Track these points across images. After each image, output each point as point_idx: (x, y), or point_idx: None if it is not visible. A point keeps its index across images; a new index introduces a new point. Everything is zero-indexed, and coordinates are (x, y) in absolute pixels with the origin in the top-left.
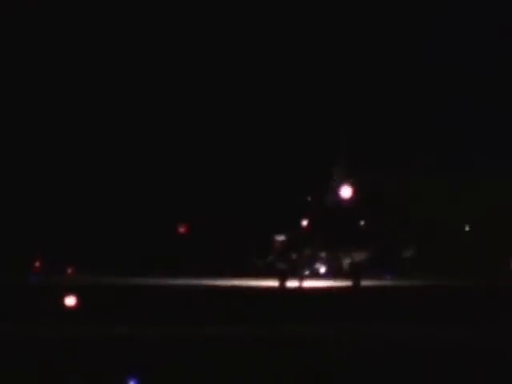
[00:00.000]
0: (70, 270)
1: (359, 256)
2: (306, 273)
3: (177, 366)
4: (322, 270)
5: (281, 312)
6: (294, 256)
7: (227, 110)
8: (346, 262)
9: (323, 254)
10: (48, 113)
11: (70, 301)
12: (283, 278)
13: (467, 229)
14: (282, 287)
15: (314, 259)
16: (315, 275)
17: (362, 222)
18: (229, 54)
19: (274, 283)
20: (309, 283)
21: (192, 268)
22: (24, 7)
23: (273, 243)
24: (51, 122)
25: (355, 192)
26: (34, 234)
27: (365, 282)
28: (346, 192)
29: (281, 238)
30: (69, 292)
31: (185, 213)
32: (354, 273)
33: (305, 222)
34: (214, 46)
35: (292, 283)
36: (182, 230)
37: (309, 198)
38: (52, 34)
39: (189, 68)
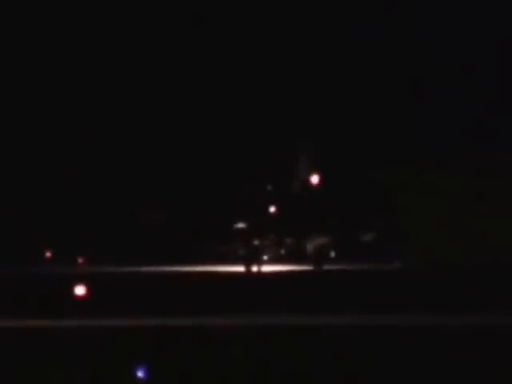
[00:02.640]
0: (80, 260)
1: (320, 240)
2: (265, 258)
3: (182, 356)
4: (333, 254)
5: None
6: (256, 242)
7: (189, 99)
8: (310, 246)
9: (288, 240)
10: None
11: (80, 290)
12: (247, 263)
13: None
14: (248, 271)
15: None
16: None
17: (327, 208)
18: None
19: (239, 268)
20: (271, 267)
21: (162, 255)
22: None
23: (235, 230)
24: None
25: (322, 179)
26: (44, 224)
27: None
28: (314, 179)
29: (241, 225)
30: (79, 281)
31: (153, 203)
32: (316, 257)
33: (270, 209)
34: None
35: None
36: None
37: (269, 187)
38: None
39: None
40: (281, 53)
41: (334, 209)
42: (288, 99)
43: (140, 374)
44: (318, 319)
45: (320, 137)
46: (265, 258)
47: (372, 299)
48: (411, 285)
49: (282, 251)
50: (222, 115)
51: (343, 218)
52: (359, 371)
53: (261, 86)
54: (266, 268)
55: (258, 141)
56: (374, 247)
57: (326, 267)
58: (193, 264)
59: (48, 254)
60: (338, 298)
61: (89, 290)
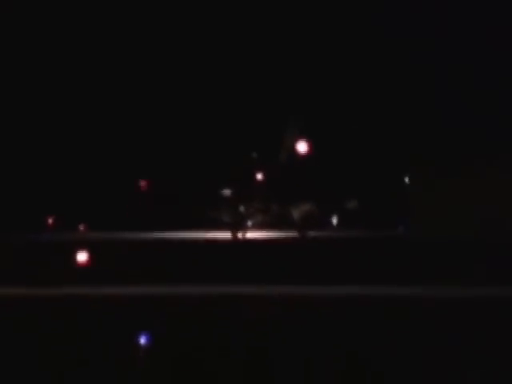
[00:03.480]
0: (82, 227)
1: (305, 207)
2: (249, 224)
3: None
4: (334, 221)
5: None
6: (242, 208)
7: (182, 71)
8: (295, 213)
9: (274, 207)
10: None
11: (82, 257)
12: (234, 230)
13: (407, 181)
14: (234, 238)
15: (266, 212)
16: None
17: (315, 175)
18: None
19: (226, 235)
20: (256, 234)
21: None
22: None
23: (222, 197)
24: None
25: (311, 147)
26: (45, 190)
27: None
28: (301, 147)
29: (227, 192)
30: (81, 248)
31: (143, 170)
32: (302, 223)
33: (257, 176)
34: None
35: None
36: (142, 185)
37: (254, 154)
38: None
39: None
40: (273, 25)
41: (321, 176)
42: (278, 67)
43: (142, 341)
44: (307, 288)
45: (311, 106)
46: (249, 224)
47: (365, 267)
48: (414, 253)
49: (268, 218)
50: (208, 83)
51: (329, 184)
52: (355, 339)
53: (249, 53)
54: (251, 235)
55: (245, 107)
56: (361, 214)
57: (318, 234)
58: (198, 230)
59: (50, 221)
60: (327, 265)
61: (91, 256)
